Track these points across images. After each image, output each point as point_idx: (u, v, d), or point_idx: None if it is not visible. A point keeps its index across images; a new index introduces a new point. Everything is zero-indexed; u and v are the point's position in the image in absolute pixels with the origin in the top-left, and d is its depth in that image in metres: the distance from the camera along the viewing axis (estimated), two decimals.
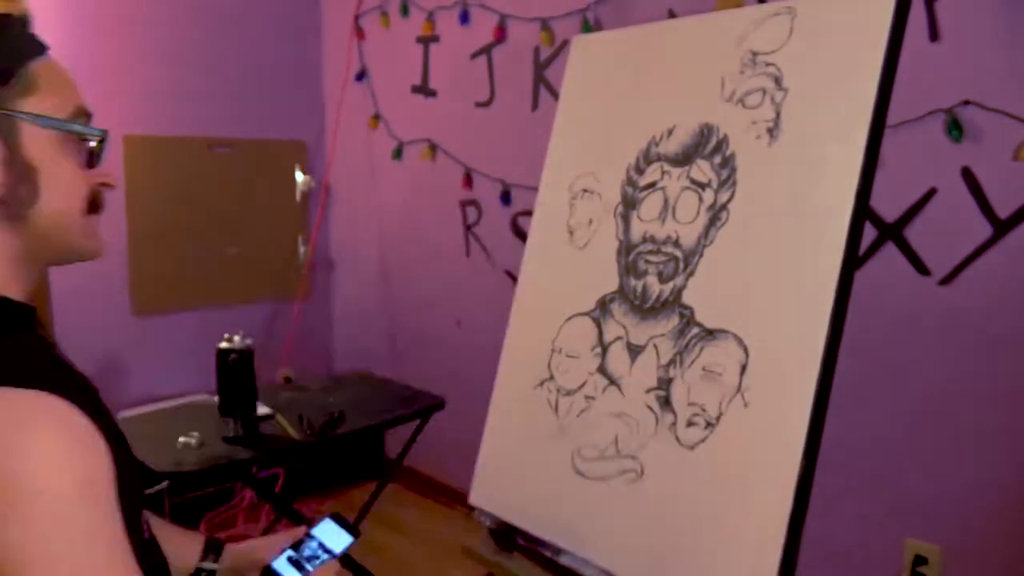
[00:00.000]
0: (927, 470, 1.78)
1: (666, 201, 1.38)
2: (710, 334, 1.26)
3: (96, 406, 0.68)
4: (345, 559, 1.18)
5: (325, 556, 0.91)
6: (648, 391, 1.32)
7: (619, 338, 1.39)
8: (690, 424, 1.24)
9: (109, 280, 2.71)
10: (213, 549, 1.01)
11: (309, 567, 0.88)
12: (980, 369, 1.69)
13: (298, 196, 3.09)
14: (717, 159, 1.32)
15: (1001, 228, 1.64)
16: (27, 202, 0.71)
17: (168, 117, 2.79)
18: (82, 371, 0.73)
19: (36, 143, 0.71)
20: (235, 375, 1.94)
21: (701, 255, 1.31)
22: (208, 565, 0.99)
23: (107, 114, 2.78)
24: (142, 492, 0.75)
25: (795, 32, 1.28)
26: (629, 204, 1.44)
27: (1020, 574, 1.67)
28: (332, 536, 0.94)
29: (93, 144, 0.76)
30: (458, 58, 2.71)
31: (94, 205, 0.77)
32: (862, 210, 1.14)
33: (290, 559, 0.88)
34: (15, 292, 0.72)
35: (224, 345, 1.96)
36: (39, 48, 0.77)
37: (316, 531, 0.93)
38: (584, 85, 1.62)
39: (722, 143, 1.32)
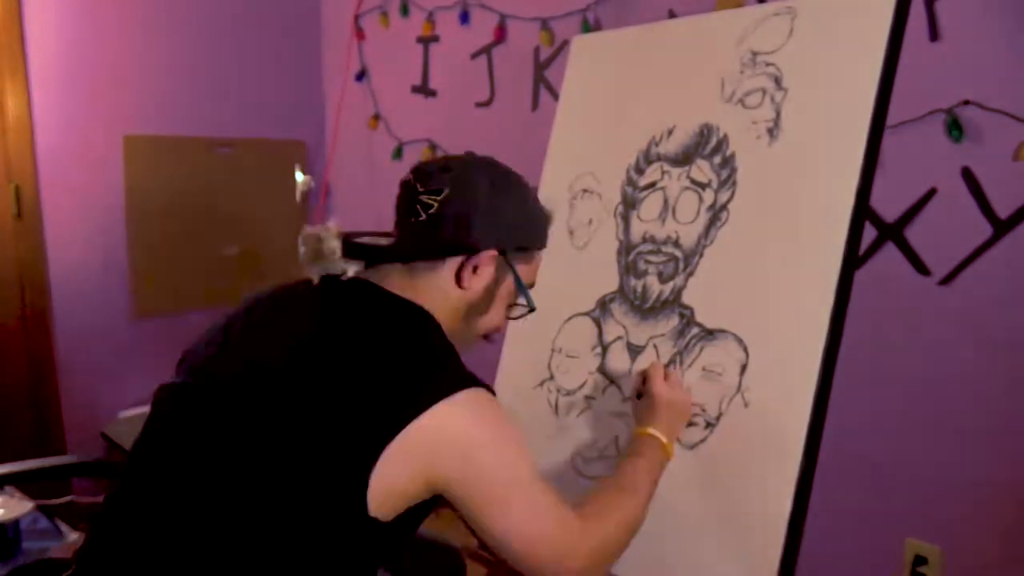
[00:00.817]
0: (927, 470, 1.78)
1: (666, 201, 1.38)
2: (710, 334, 1.26)
3: None
4: None
5: None
6: None
7: (619, 338, 1.39)
8: (690, 424, 1.24)
9: (109, 280, 2.71)
10: None
11: None
12: (980, 369, 1.69)
13: (298, 196, 3.08)
14: (717, 159, 1.32)
15: (1001, 228, 1.64)
16: (478, 314, 1.09)
17: (168, 117, 2.79)
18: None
19: (506, 290, 1.11)
20: None
21: (701, 255, 1.31)
22: None
23: (107, 114, 2.79)
24: None
25: (795, 32, 1.28)
26: (629, 204, 1.44)
27: (1020, 574, 1.67)
28: None
29: (522, 308, 1.14)
30: (458, 58, 2.71)
31: (490, 336, 1.15)
32: (862, 210, 1.14)
33: None
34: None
35: None
36: (545, 243, 1.16)
37: None
38: (584, 85, 1.62)
39: (722, 143, 1.32)
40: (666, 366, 1.28)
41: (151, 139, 2.74)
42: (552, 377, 1.48)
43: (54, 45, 2.51)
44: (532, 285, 1.14)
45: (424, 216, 1.04)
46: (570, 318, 1.47)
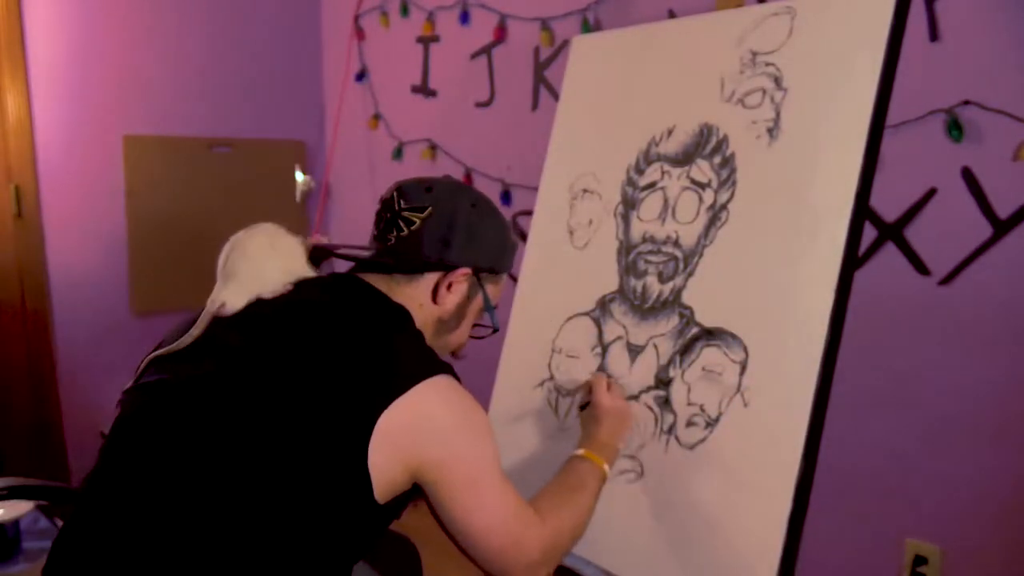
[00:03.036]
0: (927, 470, 1.78)
1: (666, 201, 1.38)
2: (710, 334, 1.26)
3: None
4: None
5: None
6: (648, 391, 1.32)
7: (619, 338, 1.39)
8: (690, 424, 1.24)
9: (109, 280, 2.71)
10: None
11: None
12: (980, 369, 1.69)
13: (298, 196, 3.08)
14: (717, 159, 1.32)
15: (1001, 228, 1.64)
16: (448, 331, 1.15)
17: (168, 117, 2.79)
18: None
19: (475, 309, 1.17)
20: None
21: (701, 255, 1.31)
22: None
23: (107, 114, 2.79)
24: None
25: (795, 32, 1.28)
26: (629, 204, 1.44)
27: (1020, 574, 1.67)
28: None
29: (485, 328, 1.19)
30: (458, 58, 2.71)
31: (457, 352, 1.20)
32: (862, 210, 1.14)
33: None
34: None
35: None
36: (511, 268, 1.21)
37: None
38: (584, 85, 1.62)
39: (722, 143, 1.32)
40: (609, 376, 1.34)
41: (151, 139, 2.74)
42: (552, 377, 1.48)
43: (54, 45, 2.51)
44: (496, 306, 1.19)
45: (406, 232, 1.10)
46: (570, 318, 1.47)
